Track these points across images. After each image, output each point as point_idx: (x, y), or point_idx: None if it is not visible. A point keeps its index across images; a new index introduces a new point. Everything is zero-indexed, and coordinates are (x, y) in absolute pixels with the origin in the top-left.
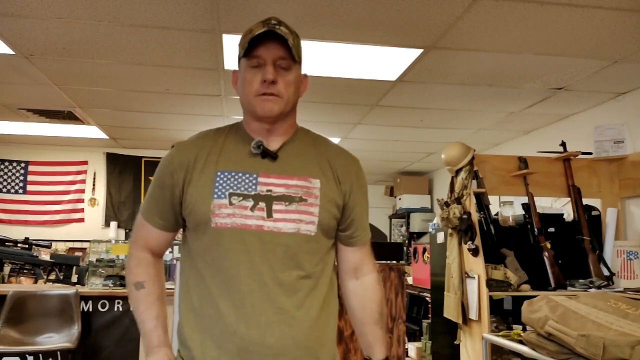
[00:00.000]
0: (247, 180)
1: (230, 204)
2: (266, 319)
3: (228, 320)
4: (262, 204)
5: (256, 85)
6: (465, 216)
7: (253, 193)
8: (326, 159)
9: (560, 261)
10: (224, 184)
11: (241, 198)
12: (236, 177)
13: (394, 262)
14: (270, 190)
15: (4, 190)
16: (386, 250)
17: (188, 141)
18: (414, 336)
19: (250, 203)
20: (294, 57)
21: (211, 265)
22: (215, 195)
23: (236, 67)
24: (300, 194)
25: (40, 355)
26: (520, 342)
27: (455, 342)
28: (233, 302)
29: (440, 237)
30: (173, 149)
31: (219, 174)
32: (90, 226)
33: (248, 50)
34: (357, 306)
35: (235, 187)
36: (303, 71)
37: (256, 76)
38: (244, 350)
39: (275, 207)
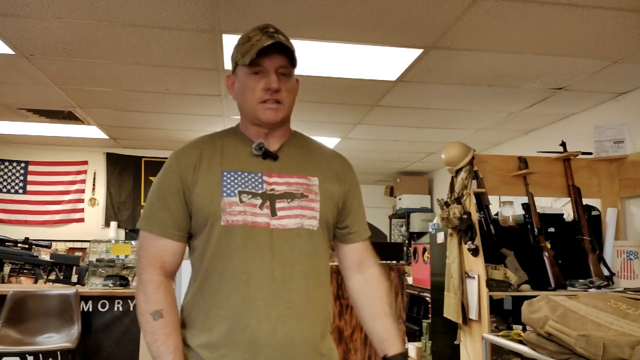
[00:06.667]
0: (253, 180)
1: (241, 201)
2: (277, 313)
3: (238, 317)
4: (268, 202)
5: (259, 92)
6: (465, 216)
7: (260, 191)
8: (323, 159)
9: (560, 261)
10: (232, 183)
11: (250, 196)
12: (242, 176)
13: (394, 262)
14: (273, 189)
15: (4, 190)
16: (386, 251)
17: (186, 146)
18: (414, 336)
19: (258, 201)
20: (293, 64)
21: (220, 263)
22: (225, 194)
23: None
24: (301, 190)
25: (40, 355)
26: (520, 342)
27: (455, 342)
28: (243, 298)
29: (440, 237)
30: (172, 156)
31: (225, 173)
32: (90, 226)
33: (252, 59)
34: (365, 299)
35: (243, 186)
36: (296, 73)
37: (258, 83)
38: (254, 345)
39: (278, 204)
